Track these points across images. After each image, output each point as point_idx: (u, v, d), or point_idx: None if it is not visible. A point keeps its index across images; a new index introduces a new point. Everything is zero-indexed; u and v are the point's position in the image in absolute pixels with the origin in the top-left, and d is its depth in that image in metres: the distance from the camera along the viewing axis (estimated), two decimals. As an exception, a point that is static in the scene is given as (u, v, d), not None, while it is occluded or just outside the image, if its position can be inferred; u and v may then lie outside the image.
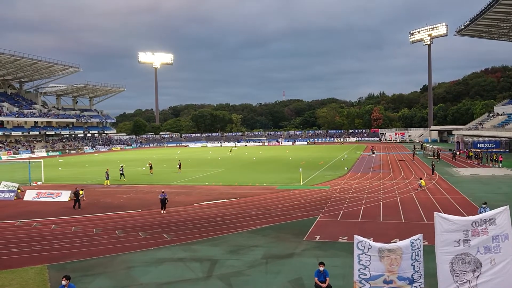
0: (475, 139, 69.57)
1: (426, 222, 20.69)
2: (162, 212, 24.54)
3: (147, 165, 48.67)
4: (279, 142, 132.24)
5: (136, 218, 23.66)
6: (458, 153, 60.88)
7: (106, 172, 39.58)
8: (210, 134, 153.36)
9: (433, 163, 43.54)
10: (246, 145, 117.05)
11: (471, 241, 9.41)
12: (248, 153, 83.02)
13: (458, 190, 30.43)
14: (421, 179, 33.20)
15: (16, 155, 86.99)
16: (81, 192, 30.67)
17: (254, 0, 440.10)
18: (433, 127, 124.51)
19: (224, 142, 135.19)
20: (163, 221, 22.47)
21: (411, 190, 30.70)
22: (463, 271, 9.41)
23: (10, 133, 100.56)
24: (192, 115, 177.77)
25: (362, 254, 9.83)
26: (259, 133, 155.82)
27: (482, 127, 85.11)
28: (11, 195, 31.70)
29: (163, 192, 25.13)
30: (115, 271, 14.74)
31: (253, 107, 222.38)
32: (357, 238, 10.04)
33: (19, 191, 32.52)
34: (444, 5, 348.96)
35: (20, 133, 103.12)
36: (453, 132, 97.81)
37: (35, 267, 15.14)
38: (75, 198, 27.27)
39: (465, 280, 9.42)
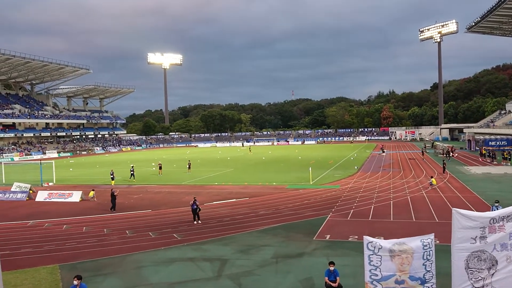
0: (487, 137, 68.78)
1: (437, 221, 20.51)
2: (195, 222, 21.61)
3: (157, 165, 48.87)
4: (288, 141, 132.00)
5: (146, 218, 23.77)
6: (452, 153, 57.68)
7: (111, 173, 39.90)
8: (219, 134, 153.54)
9: (444, 161, 43.14)
10: (250, 146, 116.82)
11: (487, 238, 9.26)
12: (257, 153, 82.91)
13: (470, 188, 30.11)
14: (432, 177, 32.92)
15: (28, 156, 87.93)
16: (91, 193, 31.02)
17: (260, 1, 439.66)
18: (443, 125, 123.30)
19: (233, 141, 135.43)
20: (173, 221, 22.55)
21: (422, 189, 30.44)
22: (478, 269, 9.29)
23: (22, 135, 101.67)
24: (201, 115, 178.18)
25: (372, 254, 9.74)
26: (268, 132, 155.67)
27: (493, 125, 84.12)
28: (23, 196, 32.05)
29: (194, 199, 22.24)
30: (126, 271, 14.82)
31: (262, 107, 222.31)
32: (366, 238, 9.94)
33: (31, 191, 32.88)
34: (452, 3, 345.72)
35: (31, 134, 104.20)
36: (464, 130, 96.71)
37: (47, 267, 15.28)
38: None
39: (479, 278, 9.29)
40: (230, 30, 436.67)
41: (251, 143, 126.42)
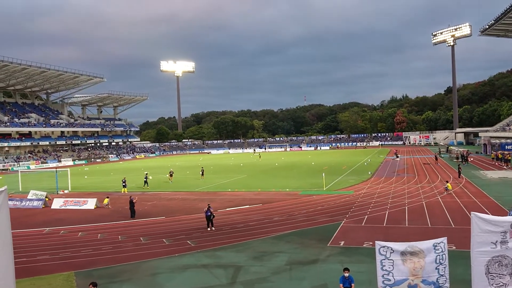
0: (503, 140, 67.72)
1: (453, 226, 20.22)
2: (209, 229, 21.64)
3: (169, 172, 49.01)
4: (301, 147, 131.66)
5: (160, 225, 23.89)
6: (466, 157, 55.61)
7: (123, 181, 40.06)
8: (232, 141, 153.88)
9: (460, 166, 42.56)
10: (260, 152, 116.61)
11: (509, 243, 9.07)
12: (269, 159, 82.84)
13: (486, 193, 29.65)
14: (447, 182, 32.52)
15: (44, 164, 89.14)
16: (106, 200, 31.30)
17: (271, 7, 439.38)
18: (458, 129, 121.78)
19: (246, 148, 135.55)
20: (187, 227, 22.61)
21: (437, 194, 30.07)
22: (499, 274, 9.09)
23: (38, 143, 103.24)
24: (214, 122, 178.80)
25: (384, 259, 9.65)
26: (281, 138, 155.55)
27: (509, 128, 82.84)
28: (39, 204, 32.49)
29: (209, 206, 22.15)
30: (141, 277, 14.90)
31: (275, 113, 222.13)
32: (378, 243, 9.86)
33: (47, 199, 33.33)
34: (464, 7, 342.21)
35: (47, 142, 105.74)
36: (480, 134, 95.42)
37: (62, 274, 15.43)
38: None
39: (501, 284, 9.09)
40: (241, 37, 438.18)
41: (262, 150, 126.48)
